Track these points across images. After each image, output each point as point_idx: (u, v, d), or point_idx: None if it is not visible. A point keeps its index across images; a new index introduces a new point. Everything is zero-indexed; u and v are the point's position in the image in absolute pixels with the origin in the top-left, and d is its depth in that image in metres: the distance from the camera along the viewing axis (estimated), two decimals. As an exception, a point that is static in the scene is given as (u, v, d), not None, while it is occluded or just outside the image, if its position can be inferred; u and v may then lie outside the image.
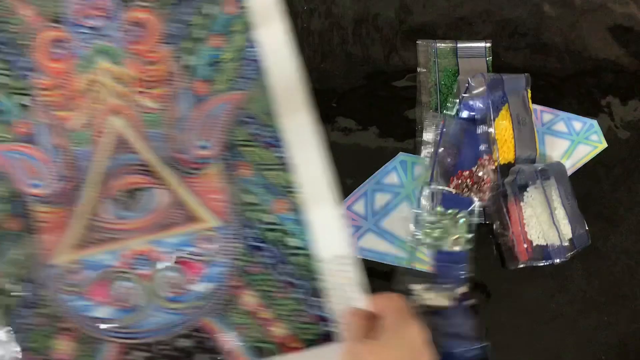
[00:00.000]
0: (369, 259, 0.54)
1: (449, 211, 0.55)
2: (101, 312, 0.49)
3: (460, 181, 0.55)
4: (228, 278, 0.51)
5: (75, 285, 0.49)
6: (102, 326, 0.49)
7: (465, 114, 0.58)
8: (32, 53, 0.53)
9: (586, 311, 0.54)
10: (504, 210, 0.56)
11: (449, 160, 0.55)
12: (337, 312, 0.50)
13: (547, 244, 0.54)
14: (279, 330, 0.50)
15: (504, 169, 0.56)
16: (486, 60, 0.59)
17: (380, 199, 0.54)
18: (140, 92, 0.53)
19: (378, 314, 0.45)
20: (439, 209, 0.55)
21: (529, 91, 0.57)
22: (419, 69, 0.61)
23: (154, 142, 0.52)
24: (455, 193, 0.54)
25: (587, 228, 0.54)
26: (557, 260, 0.53)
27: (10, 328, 0.48)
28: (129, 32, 0.53)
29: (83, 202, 0.51)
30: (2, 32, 0.52)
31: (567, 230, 0.53)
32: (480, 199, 0.54)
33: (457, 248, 0.55)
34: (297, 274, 0.51)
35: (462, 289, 0.55)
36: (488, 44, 0.59)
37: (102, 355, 0.49)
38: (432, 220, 0.55)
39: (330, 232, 0.51)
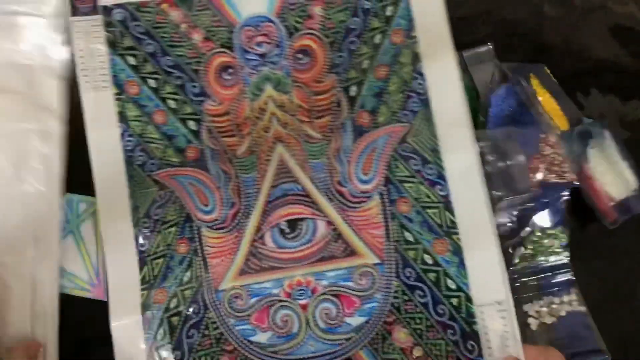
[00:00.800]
0: None
1: (548, 231, 0.55)
2: (262, 337, 0.52)
3: (535, 163, 0.54)
4: (383, 314, 0.51)
5: (241, 310, 0.52)
6: (261, 351, 0.52)
7: (499, 109, 0.57)
8: (203, 78, 0.54)
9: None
10: (582, 174, 0.56)
11: (508, 162, 0.54)
12: (488, 358, 0.50)
13: (626, 196, 0.55)
14: (431, 369, 0.50)
15: (568, 137, 0.56)
16: (494, 61, 0.58)
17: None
18: (305, 121, 0.54)
19: None
20: (537, 233, 0.54)
21: (547, 69, 0.57)
22: None
23: (315, 172, 0.53)
24: (541, 179, 0.53)
25: None
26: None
27: (174, 346, 0.51)
28: (296, 61, 0.54)
29: (249, 230, 0.53)
30: (174, 57, 0.54)
31: (632, 179, 0.54)
32: (569, 180, 0.54)
33: (557, 258, 0.55)
34: (453, 316, 0.51)
35: (572, 296, 0.55)
36: (490, 47, 0.59)
37: (260, 379, 0.51)
38: (530, 247, 0.55)
39: (489, 276, 0.51)
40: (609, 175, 0.55)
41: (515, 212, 0.55)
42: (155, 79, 0.55)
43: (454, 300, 0.51)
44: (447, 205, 0.52)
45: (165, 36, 0.55)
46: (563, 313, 0.54)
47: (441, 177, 0.52)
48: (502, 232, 0.55)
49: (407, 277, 0.52)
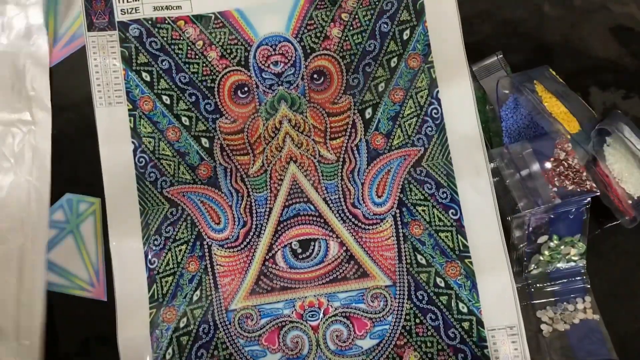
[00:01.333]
0: None
1: (566, 239, 0.55)
2: (271, 358, 0.52)
3: (551, 173, 0.54)
4: (394, 337, 0.52)
5: (251, 331, 0.52)
6: (271, 372, 0.52)
7: (512, 121, 0.57)
8: (218, 96, 0.55)
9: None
10: (598, 175, 0.55)
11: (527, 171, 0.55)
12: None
13: None
14: (441, 393, 0.51)
15: (580, 138, 0.55)
16: (505, 71, 0.59)
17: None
18: (319, 141, 0.54)
19: None
20: (555, 241, 0.55)
21: (552, 70, 0.57)
22: None
23: (329, 193, 0.54)
24: (559, 186, 0.53)
25: None
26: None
27: None
28: (311, 81, 0.55)
29: (260, 249, 0.53)
30: (188, 73, 0.55)
31: None
32: (589, 188, 0.53)
33: (572, 264, 0.55)
34: (464, 339, 0.51)
35: (586, 304, 0.55)
36: (500, 56, 0.59)
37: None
38: (547, 254, 0.55)
39: (501, 301, 0.52)
40: (627, 172, 0.54)
41: (534, 219, 0.55)
42: (170, 95, 0.55)
43: (466, 324, 0.51)
44: (460, 229, 0.52)
45: (181, 53, 0.55)
46: (576, 321, 0.54)
47: (454, 201, 0.53)
48: (520, 237, 0.55)
49: (419, 300, 0.52)
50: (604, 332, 0.52)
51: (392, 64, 0.54)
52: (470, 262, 0.52)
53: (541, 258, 0.53)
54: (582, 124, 0.55)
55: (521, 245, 0.53)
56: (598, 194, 0.52)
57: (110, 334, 0.52)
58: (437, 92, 0.53)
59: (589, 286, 0.54)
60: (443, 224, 0.53)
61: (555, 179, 0.51)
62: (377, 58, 0.55)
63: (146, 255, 0.53)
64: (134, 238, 0.53)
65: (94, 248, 0.56)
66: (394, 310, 0.52)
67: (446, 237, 0.52)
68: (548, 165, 0.52)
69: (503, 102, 0.56)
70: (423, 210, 0.53)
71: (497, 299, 0.51)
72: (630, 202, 0.53)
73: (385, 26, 0.55)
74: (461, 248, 0.52)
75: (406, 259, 0.53)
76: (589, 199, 0.52)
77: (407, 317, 0.52)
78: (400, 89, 0.54)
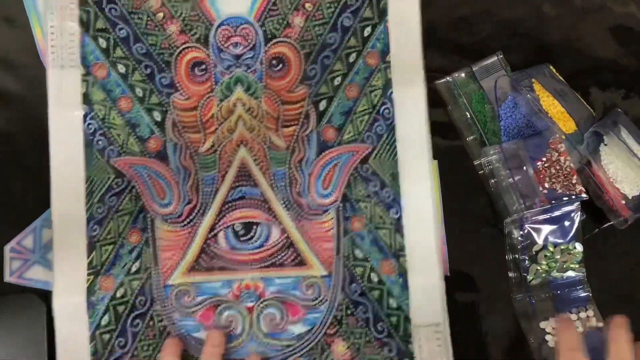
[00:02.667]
0: (37, 287, 0.57)
1: (562, 246, 0.56)
2: (205, 334, 0.54)
3: (542, 173, 0.56)
4: (325, 325, 0.55)
5: (187, 307, 0.54)
6: (202, 347, 0.54)
7: (510, 120, 0.59)
8: (174, 71, 0.56)
9: None
10: (592, 176, 0.57)
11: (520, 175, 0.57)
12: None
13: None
14: (363, 382, 0.54)
15: (574, 139, 0.57)
16: (506, 71, 0.60)
17: (47, 234, 0.58)
18: (271, 128, 0.56)
19: None
20: (550, 248, 0.57)
21: (552, 68, 0.58)
22: (449, 108, 0.62)
23: (276, 180, 0.56)
24: (549, 188, 0.55)
25: None
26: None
27: (118, 333, 0.54)
28: (270, 67, 0.56)
29: (203, 227, 0.55)
30: (146, 45, 0.55)
31: None
32: (578, 193, 0.55)
33: (571, 273, 0.56)
34: (391, 334, 0.55)
35: (589, 312, 0.56)
36: (500, 56, 0.61)
37: (198, 375, 0.54)
38: (544, 263, 0.57)
39: (429, 300, 0.55)
40: (622, 172, 0.55)
41: (527, 226, 0.56)
42: (125, 65, 0.55)
43: (394, 319, 0.55)
44: (399, 229, 0.55)
45: (140, 23, 0.56)
46: (580, 329, 0.55)
47: (396, 201, 0.56)
48: (514, 245, 0.56)
49: (352, 292, 0.55)
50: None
51: (351, 60, 0.56)
52: (405, 261, 0.55)
53: (538, 268, 0.55)
54: (579, 124, 0.57)
55: (518, 253, 0.55)
56: (586, 198, 0.54)
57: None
58: (391, 92, 0.55)
59: (590, 295, 0.56)
60: (383, 221, 0.55)
61: (546, 180, 0.53)
62: (337, 51, 0.56)
63: (88, 222, 0.54)
64: (76, 203, 0.54)
65: None
66: (327, 299, 0.55)
67: (385, 234, 0.55)
68: (540, 165, 0.54)
69: (502, 102, 0.58)
70: (365, 207, 0.56)
71: (425, 297, 0.55)
72: (624, 202, 0.55)
73: (348, 21, 0.56)
74: (397, 247, 0.55)
75: (344, 252, 0.55)
76: (578, 203, 0.54)
77: (340, 308, 0.55)
78: (355, 85, 0.56)
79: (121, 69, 0.55)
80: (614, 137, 0.56)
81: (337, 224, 0.56)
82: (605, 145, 0.56)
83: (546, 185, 0.54)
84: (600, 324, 0.56)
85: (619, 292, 0.59)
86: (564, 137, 0.54)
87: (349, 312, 0.55)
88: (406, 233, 0.55)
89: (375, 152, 0.56)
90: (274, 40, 0.56)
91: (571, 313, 0.56)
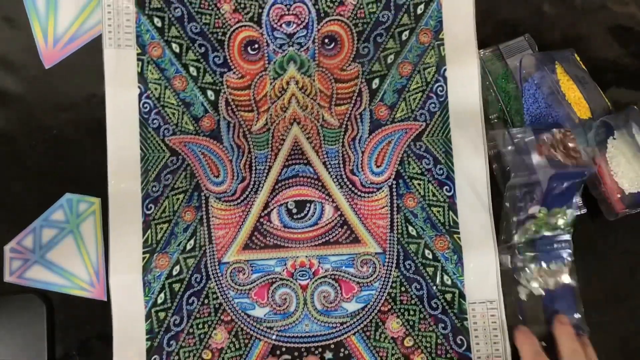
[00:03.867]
0: (36, 287, 0.58)
1: (555, 210, 0.57)
2: (260, 312, 0.55)
3: (547, 147, 0.56)
4: (379, 302, 0.56)
5: (242, 284, 0.55)
6: (257, 325, 0.55)
7: (532, 100, 0.60)
8: (227, 50, 0.57)
9: (586, 311, 0.58)
10: (595, 163, 0.58)
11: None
12: (477, 352, 0.55)
13: (637, 191, 0.57)
14: (418, 359, 0.55)
15: (587, 126, 0.57)
16: (533, 51, 0.60)
17: (47, 233, 0.59)
18: (324, 106, 0.57)
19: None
20: (542, 212, 0.58)
21: (576, 55, 0.59)
22: None
23: (329, 158, 0.57)
24: (554, 159, 0.56)
25: None
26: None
27: (174, 311, 0.55)
28: (322, 45, 0.57)
29: (256, 205, 0.56)
30: (200, 24, 0.56)
31: None
32: (587, 163, 0.56)
33: (560, 232, 0.57)
34: (445, 310, 0.55)
35: (565, 269, 0.57)
36: (528, 36, 0.61)
37: (253, 351, 0.55)
38: (535, 223, 0.58)
39: (484, 276, 0.56)
40: (625, 168, 0.56)
41: (525, 190, 0.56)
42: (179, 44, 0.57)
43: (448, 296, 0.56)
44: (452, 206, 0.56)
45: (195, 2, 0.57)
46: (552, 287, 0.56)
47: (449, 178, 0.56)
48: (510, 210, 0.57)
49: (406, 269, 0.56)
50: (578, 296, 0.56)
51: (404, 37, 0.57)
52: (459, 238, 0.56)
53: (528, 227, 0.56)
54: (594, 112, 0.58)
55: (513, 217, 0.56)
56: (594, 171, 0.55)
57: (110, 334, 0.55)
58: (445, 70, 0.56)
59: (572, 258, 0.57)
60: (436, 199, 0.56)
61: (551, 150, 0.54)
62: (389, 29, 0.57)
63: (144, 201, 0.55)
64: (132, 182, 0.55)
65: (94, 248, 0.57)
66: (381, 277, 0.56)
67: (438, 211, 0.56)
68: (545, 138, 0.55)
69: (525, 81, 0.58)
70: (419, 184, 0.56)
71: (480, 274, 0.55)
72: (619, 196, 0.56)
73: None
74: (451, 223, 0.56)
75: (398, 229, 0.56)
76: (585, 176, 0.55)
77: (393, 285, 0.56)
78: (409, 63, 0.57)
79: (175, 48, 0.56)
80: (624, 133, 0.56)
81: (391, 202, 0.56)
82: (614, 139, 0.57)
83: (554, 157, 0.54)
84: (573, 283, 0.57)
85: (618, 292, 0.59)
86: (577, 120, 0.55)
87: (402, 289, 0.55)
88: (459, 210, 0.56)
89: (428, 129, 0.56)
90: (327, 19, 0.57)
91: (548, 268, 0.57)
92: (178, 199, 0.55)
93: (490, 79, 0.60)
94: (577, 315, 0.55)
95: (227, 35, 0.57)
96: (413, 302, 0.55)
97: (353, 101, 0.57)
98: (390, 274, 0.56)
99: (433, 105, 0.56)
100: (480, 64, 0.57)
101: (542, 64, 0.56)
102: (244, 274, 0.55)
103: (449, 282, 0.55)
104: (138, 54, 0.56)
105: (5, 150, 0.57)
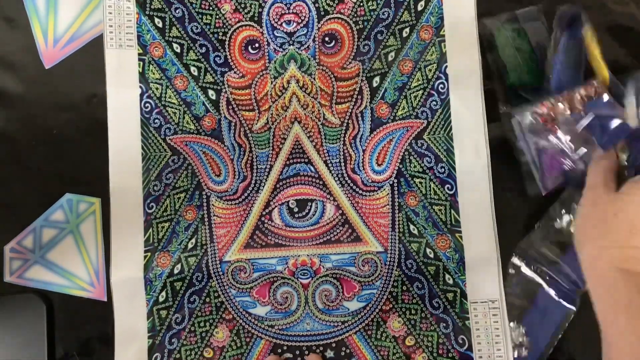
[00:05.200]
0: (36, 287, 0.58)
1: None
2: (261, 310, 0.56)
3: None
4: (380, 301, 0.56)
5: (243, 283, 0.56)
6: (258, 323, 0.56)
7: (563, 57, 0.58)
8: (228, 49, 0.58)
9: (586, 311, 0.57)
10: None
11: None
12: (478, 352, 0.55)
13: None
14: (419, 359, 0.55)
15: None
16: (542, 23, 0.59)
17: (47, 234, 0.59)
18: (325, 105, 0.58)
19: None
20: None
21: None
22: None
23: (330, 156, 0.57)
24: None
25: None
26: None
27: (175, 310, 0.56)
28: (323, 44, 0.58)
29: (258, 204, 0.57)
30: (201, 24, 0.57)
31: None
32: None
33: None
34: (447, 310, 0.56)
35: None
36: (540, 6, 0.59)
37: (254, 350, 0.56)
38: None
39: (486, 276, 0.56)
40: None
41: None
42: (180, 44, 0.57)
43: (450, 295, 0.56)
44: (453, 204, 0.56)
45: (195, 3, 0.58)
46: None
47: (451, 176, 0.57)
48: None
49: (407, 268, 0.56)
50: None
51: (404, 34, 0.57)
52: (460, 237, 0.56)
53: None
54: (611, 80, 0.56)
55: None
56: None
57: (111, 334, 0.55)
58: (446, 67, 0.56)
59: None
60: (438, 197, 0.56)
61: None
62: (390, 27, 0.57)
63: (145, 200, 0.56)
64: (134, 181, 0.56)
65: (94, 248, 0.58)
66: (383, 275, 0.56)
67: (440, 210, 0.56)
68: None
69: (554, 46, 0.56)
70: (420, 183, 0.57)
71: (482, 273, 0.56)
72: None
73: None
74: (453, 222, 0.56)
75: (399, 228, 0.57)
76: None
77: (395, 284, 0.56)
78: (409, 60, 0.57)
79: (176, 48, 0.57)
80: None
81: (392, 200, 0.57)
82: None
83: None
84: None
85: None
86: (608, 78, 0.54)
87: (404, 288, 0.56)
88: (461, 208, 0.56)
89: (430, 127, 0.57)
90: (327, 17, 0.58)
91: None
92: (179, 198, 0.56)
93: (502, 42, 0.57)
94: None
95: (228, 35, 0.57)
96: (414, 301, 0.56)
97: (354, 99, 0.57)
98: (391, 273, 0.56)
99: (434, 102, 0.57)
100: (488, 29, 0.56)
101: (578, 22, 0.55)
102: (245, 272, 0.56)
103: (451, 282, 0.56)
104: (139, 54, 0.57)
105: (5, 150, 0.58)
